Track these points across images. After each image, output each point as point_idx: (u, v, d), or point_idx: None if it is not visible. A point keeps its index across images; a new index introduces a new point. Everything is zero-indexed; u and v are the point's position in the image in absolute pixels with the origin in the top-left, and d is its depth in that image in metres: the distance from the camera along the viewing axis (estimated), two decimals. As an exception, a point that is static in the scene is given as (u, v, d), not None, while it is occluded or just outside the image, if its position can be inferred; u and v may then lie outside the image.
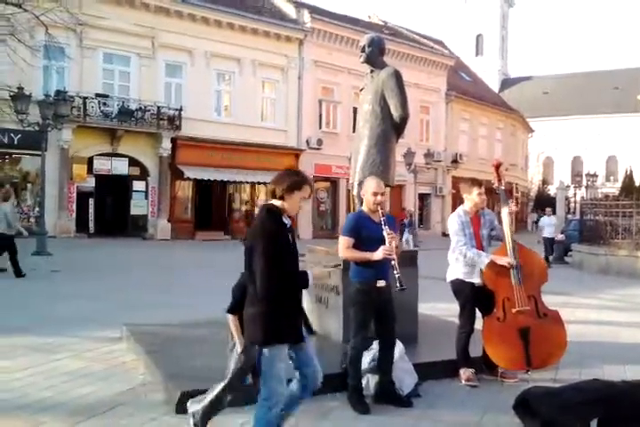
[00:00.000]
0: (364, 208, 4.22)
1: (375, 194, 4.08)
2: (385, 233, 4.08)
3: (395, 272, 4.03)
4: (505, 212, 4.73)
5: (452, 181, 33.35)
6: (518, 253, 4.65)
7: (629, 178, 44.93)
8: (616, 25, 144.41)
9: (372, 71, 5.66)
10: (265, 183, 24.83)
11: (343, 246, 4.12)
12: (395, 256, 3.99)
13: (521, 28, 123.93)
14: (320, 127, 26.92)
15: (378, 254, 3.97)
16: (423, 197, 31.72)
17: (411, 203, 26.21)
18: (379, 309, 4.11)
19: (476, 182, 4.80)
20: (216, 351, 4.98)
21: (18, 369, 4.79)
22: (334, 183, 27.70)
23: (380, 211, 4.12)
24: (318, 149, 26.23)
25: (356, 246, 4.09)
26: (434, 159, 28.18)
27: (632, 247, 14.09)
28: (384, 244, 4.02)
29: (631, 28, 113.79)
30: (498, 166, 5.01)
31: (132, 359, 5.13)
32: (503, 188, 4.92)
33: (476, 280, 4.70)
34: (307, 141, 26.15)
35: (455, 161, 32.95)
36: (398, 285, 4.02)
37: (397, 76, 5.45)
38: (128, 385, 4.43)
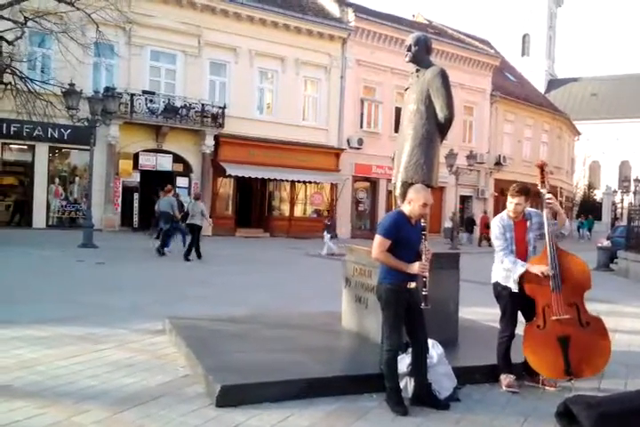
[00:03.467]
0: (405, 210, 4.16)
1: (425, 205, 4.06)
2: (423, 247, 4.08)
3: (423, 289, 4.04)
4: (547, 226, 4.60)
5: (494, 184, 32.85)
6: (559, 259, 4.53)
7: (680, 184, 43.34)
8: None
9: (417, 71, 5.60)
10: (305, 182, 25.00)
11: (379, 247, 4.07)
12: (427, 273, 4.02)
13: (569, 27, 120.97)
14: (361, 127, 26.86)
15: (412, 269, 3.99)
16: (464, 200, 31.31)
17: (451, 205, 25.90)
18: (409, 310, 4.08)
19: (515, 188, 4.64)
20: (256, 347, 5.07)
21: (63, 358, 4.93)
22: (374, 183, 27.62)
23: (423, 222, 4.12)
24: (359, 148, 26.19)
25: (391, 247, 4.06)
26: (476, 161, 27.75)
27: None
28: (420, 254, 4.05)
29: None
30: (542, 167, 4.88)
31: (174, 352, 5.22)
32: (547, 190, 4.77)
33: (512, 285, 4.61)
34: (347, 141, 26.13)
35: (498, 163, 32.42)
36: (423, 303, 4.05)
37: (444, 76, 5.37)
38: (169, 377, 4.51)
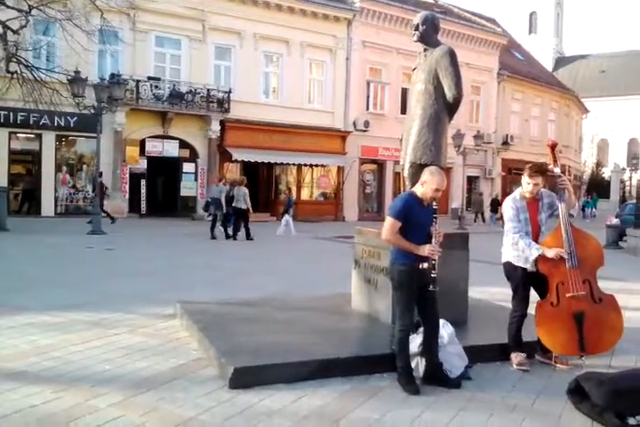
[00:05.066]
0: (417, 192, 4.13)
1: (437, 190, 4.04)
2: (433, 230, 4.08)
3: (433, 272, 4.06)
4: (562, 205, 4.57)
5: (501, 164, 32.66)
6: (573, 237, 4.52)
7: (690, 161, 42.95)
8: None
9: (425, 50, 5.53)
10: (311, 165, 24.95)
11: (389, 229, 4.07)
12: (437, 256, 4.04)
13: (577, 4, 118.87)
14: (367, 109, 26.68)
15: (422, 251, 4.00)
16: (471, 180, 31.18)
17: (459, 186, 25.80)
18: (421, 290, 4.10)
19: (533, 169, 4.57)
20: (268, 329, 5.11)
21: (78, 343, 4.99)
22: (381, 166, 27.52)
23: (435, 205, 4.11)
24: (365, 130, 26.05)
25: (401, 229, 4.05)
26: (483, 141, 27.56)
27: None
28: (430, 237, 4.05)
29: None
30: (553, 147, 4.83)
31: (186, 336, 5.27)
32: (559, 170, 4.75)
33: (527, 266, 4.60)
34: (354, 123, 25.99)
35: (506, 143, 32.19)
36: (432, 286, 4.07)
37: (452, 55, 5.30)
38: (182, 360, 4.57)
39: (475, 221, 26.91)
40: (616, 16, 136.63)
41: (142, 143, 21.39)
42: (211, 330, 4.96)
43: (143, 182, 21.72)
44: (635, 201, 17.87)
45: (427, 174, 4.09)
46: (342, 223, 23.56)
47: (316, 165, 25.19)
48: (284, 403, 3.75)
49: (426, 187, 4.05)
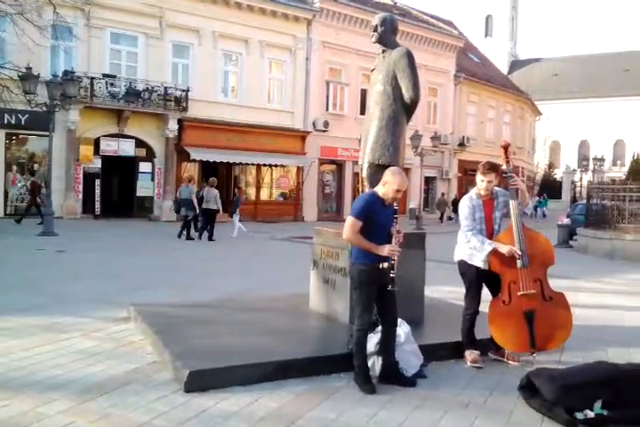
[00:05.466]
0: (379, 192, 4.15)
1: (398, 191, 4.07)
2: (394, 230, 4.11)
3: (392, 272, 4.09)
4: (513, 203, 4.68)
5: (458, 165, 33.26)
6: (525, 237, 4.64)
7: (637, 162, 44.74)
8: (628, 6, 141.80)
9: (383, 51, 5.58)
10: (271, 165, 24.86)
11: (350, 229, 4.08)
12: (396, 256, 4.07)
13: (531, 8, 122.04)
14: (327, 109, 26.76)
15: (382, 251, 4.02)
16: (429, 181, 31.64)
17: (416, 186, 26.15)
18: (381, 289, 4.12)
19: (486, 166, 4.67)
20: (224, 331, 5.07)
21: (28, 348, 4.83)
22: (340, 166, 27.64)
23: (395, 205, 4.16)
24: (325, 131, 26.13)
25: (362, 229, 4.07)
26: (440, 142, 28.04)
27: (638, 232, 14.05)
28: (390, 237, 4.08)
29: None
30: (506, 147, 4.94)
31: (140, 339, 5.17)
32: (512, 168, 4.85)
33: (479, 264, 4.70)
34: (313, 123, 26.03)
35: (462, 144, 32.78)
36: (391, 285, 4.09)
37: (410, 57, 5.37)
38: (136, 364, 4.48)
39: (441, 222, 27.34)
40: (569, 20, 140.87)
41: (97, 142, 20.88)
42: (165, 333, 4.88)
43: (98, 182, 21.19)
44: (584, 201, 18.43)
45: (388, 175, 4.11)
46: (301, 224, 23.57)
47: (276, 165, 25.12)
48: (241, 405, 3.72)
49: (387, 187, 4.08)
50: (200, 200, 15.45)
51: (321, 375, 4.29)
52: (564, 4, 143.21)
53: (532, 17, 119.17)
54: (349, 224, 4.09)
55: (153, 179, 22.19)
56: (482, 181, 4.68)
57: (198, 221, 15.77)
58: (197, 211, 15.43)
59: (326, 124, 26.07)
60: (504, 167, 4.87)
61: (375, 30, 5.52)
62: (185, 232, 15.31)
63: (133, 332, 5.45)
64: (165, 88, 21.29)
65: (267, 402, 3.79)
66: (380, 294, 4.13)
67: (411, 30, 28.91)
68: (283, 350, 4.50)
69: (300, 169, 25.89)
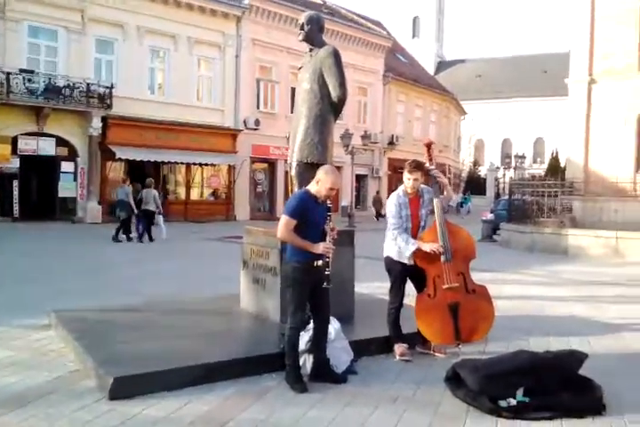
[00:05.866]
0: (312, 190, 4.15)
1: (332, 189, 4.08)
2: (328, 228, 4.13)
3: (327, 269, 4.10)
4: (436, 200, 4.81)
5: (388, 163, 33.88)
6: (448, 232, 4.78)
7: (555, 159, 47.03)
8: (547, 10, 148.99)
9: (310, 50, 5.59)
10: (201, 164, 24.43)
11: (284, 227, 4.06)
12: (331, 253, 4.09)
13: (457, 11, 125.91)
14: (258, 107, 26.59)
15: (317, 249, 4.03)
16: (360, 179, 32.07)
17: (348, 184, 26.43)
18: (315, 287, 4.13)
19: (412, 164, 4.77)
20: (150, 336, 4.92)
21: (-62, 360, 4.53)
22: (272, 165, 27.53)
23: (329, 203, 4.17)
24: (256, 129, 25.94)
25: (296, 227, 4.06)
26: (371, 141, 28.46)
27: (556, 225, 14.80)
28: (324, 235, 4.09)
29: (560, 14, 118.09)
30: (429, 145, 5.07)
31: (61, 347, 4.95)
32: (434, 167, 4.98)
33: (405, 261, 4.80)
34: (244, 122, 25.79)
35: (391, 143, 33.40)
36: (326, 282, 4.10)
37: (336, 56, 5.39)
38: (57, 373, 4.28)
39: (377, 219, 27.72)
40: (492, 23, 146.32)
41: (14, 141, 19.80)
42: (88, 339, 4.69)
43: (15, 183, 20.05)
44: (507, 197, 19.21)
45: (322, 173, 4.12)
46: (234, 223, 23.31)
47: (206, 164, 24.71)
48: (169, 411, 3.62)
49: (320, 185, 4.08)
50: (139, 201, 15.31)
51: (253, 376, 4.25)
52: (488, 8, 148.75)
53: (457, 19, 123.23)
54: (283, 223, 4.07)
55: (76, 179, 21.28)
56: (408, 180, 4.78)
57: (132, 222, 15.52)
58: (134, 212, 15.22)
59: (257, 122, 25.90)
60: (427, 165, 4.99)
61: (302, 29, 5.52)
62: (123, 234, 15.12)
63: (55, 339, 5.21)
64: (88, 84, 20.44)
65: (196, 406, 3.72)
66: (314, 291, 4.13)
67: (340, 29, 29.18)
68: (212, 353, 4.42)
69: (231, 168, 25.60)
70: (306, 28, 5.50)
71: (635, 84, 17.77)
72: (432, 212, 4.87)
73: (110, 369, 3.95)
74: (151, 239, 15.20)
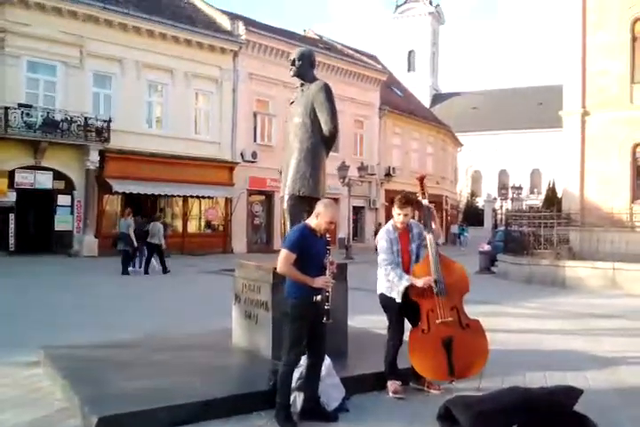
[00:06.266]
0: (311, 223, 4.16)
1: (331, 223, 4.11)
2: (327, 262, 4.11)
3: (326, 304, 4.07)
4: (429, 235, 4.81)
5: (384, 194, 33.99)
6: (441, 266, 4.75)
7: (552, 190, 47.31)
8: (540, 43, 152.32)
9: (302, 85, 5.68)
10: (198, 197, 24.49)
11: (284, 261, 4.04)
12: (330, 288, 4.07)
13: (452, 44, 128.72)
14: (255, 140, 26.82)
15: (317, 283, 4.01)
16: (357, 210, 32.12)
17: (345, 216, 26.46)
18: (313, 323, 4.08)
19: (402, 200, 4.78)
20: (141, 373, 4.84)
21: None
22: (269, 197, 27.59)
23: (328, 236, 4.19)
24: (253, 162, 26.10)
25: (295, 261, 4.05)
26: (367, 173, 28.61)
27: (553, 257, 14.75)
28: (324, 268, 4.07)
29: (553, 46, 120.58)
30: (422, 179, 5.10)
31: (50, 385, 4.86)
32: (427, 201, 4.99)
33: (395, 296, 4.76)
34: (241, 154, 25.98)
35: (388, 174, 33.59)
36: (325, 318, 4.06)
37: (327, 90, 5.48)
38: (44, 412, 4.20)
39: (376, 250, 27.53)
40: (486, 57, 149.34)
41: (12, 174, 19.86)
42: (76, 377, 4.61)
43: (12, 217, 20.00)
44: (504, 228, 19.22)
45: (321, 207, 4.14)
46: (231, 255, 23.20)
47: (203, 197, 24.76)
48: (154, 451, 3.53)
49: (320, 219, 4.10)
50: (146, 234, 15.62)
51: (242, 414, 4.16)
52: (483, 41, 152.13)
53: (452, 52, 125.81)
54: (283, 257, 4.06)
55: (72, 212, 21.25)
56: (399, 215, 4.79)
57: (137, 256, 15.93)
58: (134, 245, 15.43)
59: (254, 154, 26.09)
60: (420, 199, 5.00)
61: (293, 64, 5.62)
62: (131, 266, 15.58)
63: (43, 377, 5.12)
64: (86, 118, 20.63)
65: (183, 446, 3.63)
66: (312, 327, 4.09)
67: (336, 64, 29.69)
68: (203, 390, 4.34)
69: (228, 200, 25.65)
70: (297, 63, 5.60)
71: (628, 116, 18.06)
72: (420, 246, 4.86)
73: (95, 408, 3.87)
74: (147, 272, 15.41)
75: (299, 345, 4.06)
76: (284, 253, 4.06)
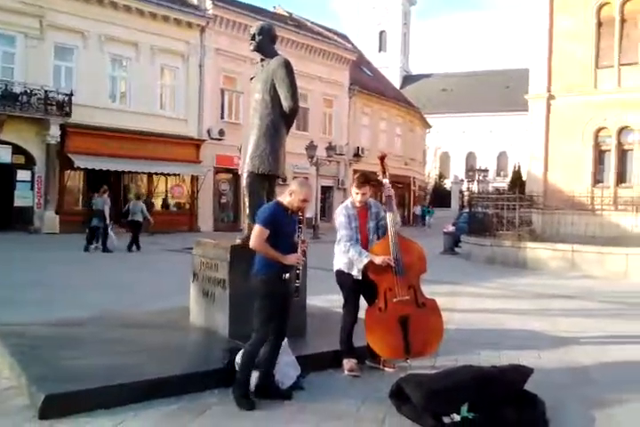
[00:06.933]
0: (284, 201, 4.11)
1: (305, 201, 4.09)
2: (299, 240, 4.11)
3: (297, 281, 4.11)
4: (389, 214, 4.79)
5: (353, 175, 33.99)
6: (399, 246, 4.74)
7: (517, 173, 48.02)
8: (511, 27, 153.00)
9: (262, 60, 5.54)
10: (163, 174, 24.09)
11: (258, 237, 3.98)
12: (301, 265, 4.10)
13: (423, 26, 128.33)
14: (222, 117, 26.43)
15: (289, 260, 4.01)
16: (325, 190, 32.09)
17: (313, 196, 26.39)
18: (282, 300, 4.07)
19: (361, 179, 4.77)
20: (92, 351, 4.74)
21: None
22: (236, 175, 27.12)
23: (299, 215, 4.15)
24: (220, 139, 25.74)
25: (267, 238, 4.00)
26: (336, 152, 28.53)
27: (515, 238, 14.99)
28: (295, 246, 4.08)
29: (522, 30, 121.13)
30: (383, 159, 5.07)
31: (-2, 362, 4.73)
32: (387, 181, 4.97)
33: (355, 273, 4.76)
34: (208, 132, 25.58)
35: (357, 155, 33.57)
36: (295, 294, 4.14)
37: (287, 66, 5.35)
38: (-11, 390, 4.08)
39: None
40: (457, 38, 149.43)
41: (-32, 148, 19.23)
42: (25, 355, 4.49)
43: (-31, 191, 19.50)
44: (468, 210, 19.43)
45: (296, 185, 4.11)
46: (197, 234, 22.95)
47: (169, 174, 24.38)
48: (102, 430, 3.47)
49: (294, 197, 4.06)
50: (126, 213, 16.02)
51: (195, 393, 4.11)
52: (454, 24, 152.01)
53: (423, 34, 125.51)
54: (257, 233, 4.02)
55: (32, 188, 20.72)
56: (357, 194, 4.78)
57: (108, 233, 15.65)
58: (107, 222, 15.39)
59: (222, 132, 25.71)
60: (380, 177, 4.98)
61: (253, 39, 5.46)
62: (94, 243, 15.26)
63: (-9, 355, 4.97)
64: (46, 91, 19.99)
65: (131, 424, 3.58)
66: (280, 305, 4.07)
67: (305, 41, 29.30)
68: (153, 369, 4.27)
69: (194, 178, 25.31)
70: (257, 38, 5.45)
71: (591, 100, 18.32)
72: (378, 225, 4.85)
73: (43, 386, 3.77)
74: (139, 248, 15.66)
75: (271, 321, 4.04)
76: (257, 229, 4.03)
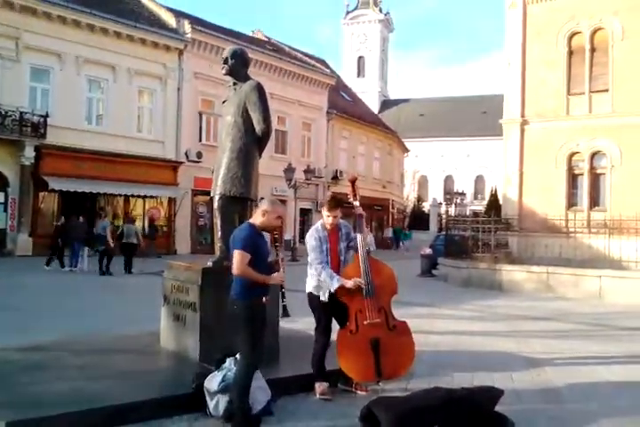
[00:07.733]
0: (256, 222, 4.06)
1: (279, 218, 4.08)
2: (279, 258, 4.11)
3: (283, 300, 4.12)
4: (359, 236, 4.80)
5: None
6: (370, 268, 4.74)
7: (494, 196, 48.61)
8: (487, 53, 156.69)
9: (234, 84, 5.57)
10: (140, 196, 23.89)
11: (240, 262, 3.88)
12: (284, 284, 4.12)
13: (401, 52, 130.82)
14: (200, 140, 26.41)
15: (275, 280, 4.02)
16: (304, 213, 32.12)
17: (292, 218, 26.40)
18: (262, 325, 4.03)
19: (332, 203, 4.80)
20: (57, 377, 4.62)
21: None
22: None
23: (275, 233, 4.17)
24: (198, 162, 25.67)
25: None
26: (314, 175, 28.65)
27: (491, 261, 15.10)
28: (271, 266, 4.08)
29: (498, 57, 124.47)
30: (353, 182, 5.12)
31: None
32: (358, 204, 5.00)
33: (322, 297, 4.74)
34: (186, 154, 25.52)
35: (335, 177, 33.74)
36: (282, 313, 4.15)
37: (260, 90, 5.40)
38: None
39: None
40: (434, 64, 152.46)
41: (-60, 170, 18.90)
42: (-15, 381, 4.35)
43: (-60, 214, 19.10)
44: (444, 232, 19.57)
45: (266, 204, 4.09)
46: (174, 257, 22.74)
47: (146, 196, 24.18)
48: (62, 459, 3.35)
49: (268, 216, 4.04)
50: (120, 235, 16.11)
51: (162, 418, 4.01)
52: (431, 49, 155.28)
53: (402, 60, 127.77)
54: (238, 258, 3.91)
55: (6, 210, 20.36)
56: (328, 217, 4.80)
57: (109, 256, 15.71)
58: (111, 245, 15.58)
59: (199, 154, 25.67)
60: (351, 200, 5.01)
61: (225, 62, 5.50)
62: (104, 267, 15.37)
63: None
64: (21, 113, 19.80)
65: (94, 453, 3.45)
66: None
67: (284, 66, 29.60)
68: (120, 394, 4.17)
69: (172, 200, 25.15)
70: (230, 62, 5.48)
71: (564, 126, 18.75)
72: (348, 246, 4.86)
73: (2, 413, 3.64)
74: (130, 272, 15.71)
75: (260, 344, 3.99)
76: (238, 254, 3.92)
